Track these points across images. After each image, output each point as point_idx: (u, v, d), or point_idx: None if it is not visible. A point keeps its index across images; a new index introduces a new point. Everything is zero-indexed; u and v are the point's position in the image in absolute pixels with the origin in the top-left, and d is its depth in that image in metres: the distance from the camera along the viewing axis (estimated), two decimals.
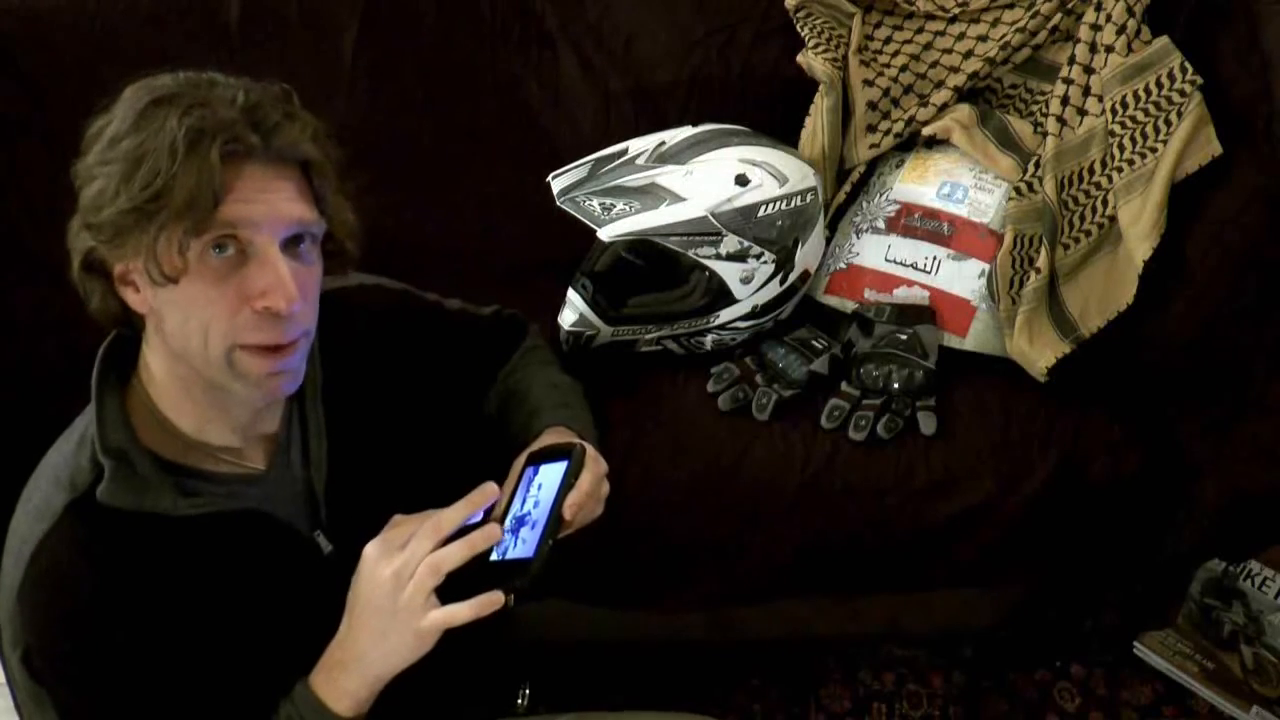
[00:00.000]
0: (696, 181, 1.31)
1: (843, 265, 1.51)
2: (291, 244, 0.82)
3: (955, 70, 1.55)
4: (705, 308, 1.37)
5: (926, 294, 1.44)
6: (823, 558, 1.36)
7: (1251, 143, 1.35)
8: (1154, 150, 1.35)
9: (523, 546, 0.85)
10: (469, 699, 1.11)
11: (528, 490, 0.92)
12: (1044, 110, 1.48)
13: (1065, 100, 1.44)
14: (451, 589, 0.82)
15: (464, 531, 0.84)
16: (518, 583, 0.83)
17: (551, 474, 0.91)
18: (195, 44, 1.55)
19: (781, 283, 1.39)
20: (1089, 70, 1.44)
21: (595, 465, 0.97)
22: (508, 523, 0.88)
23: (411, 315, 1.12)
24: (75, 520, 0.82)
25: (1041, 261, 1.38)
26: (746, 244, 1.32)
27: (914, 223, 1.48)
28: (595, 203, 1.29)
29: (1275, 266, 1.31)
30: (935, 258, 1.45)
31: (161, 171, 0.74)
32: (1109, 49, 1.42)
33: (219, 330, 0.80)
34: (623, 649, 1.58)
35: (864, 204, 1.56)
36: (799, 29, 1.59)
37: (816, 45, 1.56)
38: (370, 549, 0.84)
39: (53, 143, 1.43)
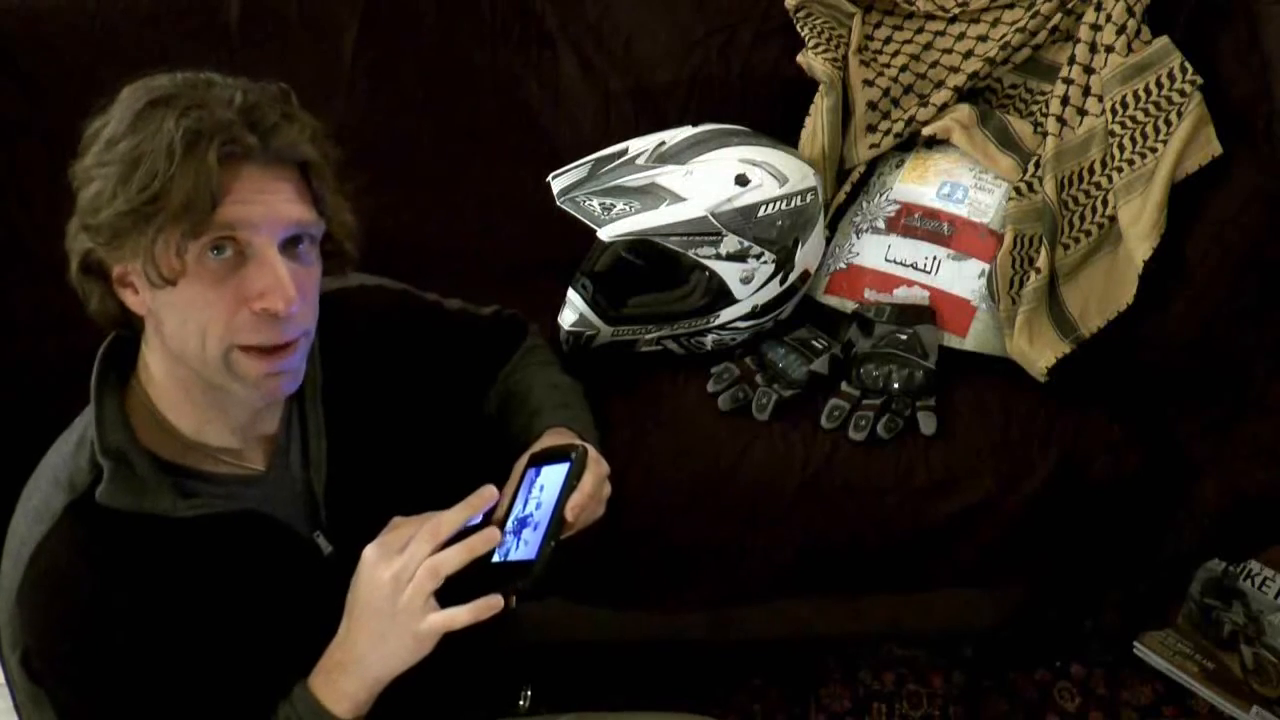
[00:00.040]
0: (696, 181, 1.31)
1: (843, 265, 1.51)
2: (290, 245, 0.82)
3: (955, 70, 1.55)
4: (705, 308, 1.37)
5: (926, 294, 1.44)
6: (823, 558, 1.36)
7: (1251, 143, 1.35)
8: (1154, 150, 1.35)
9: (525, 548, 0.85)
10: (470, 700, 1.11)
11: (530, 492, 0.92)
12: (1044, 110, 1.48)
13: (1065, 100, 1.44)
14: (454, 590, 0.82)
15: (464, 533, 0.84)
16: (520, 584, 0.83)
17: (553, 475, 0.91)
18: (195, 44, 1.55)
19: (781, 283, 1.39)
20: (1089, 70, 1.44)
21: (597, 467, 0.98)
22: (510, 524, 0.89)
23: (411, 315, 1.12)
24: (74, 521, 0.82)
25: (1041, 261, 1.38)
26: (746, 244, 1.32)
27: (914, 223, 1.48)
28: (595, 203, 1.29)
29: (1275, 266, 1.31)
30: (935, 258, 1.45)
31: (159, 173, 0.74)
32: (1109, 49, 1.41)
33: (217, 331, 0.80)
34: (623, 649, 1.58)
35: (864, 204, 1.55)
36: (799, 29, 1.59)
37: (816, 45, 1.56)
38: (369, 551, 0.84)
39: (52, 143, 1.41)
